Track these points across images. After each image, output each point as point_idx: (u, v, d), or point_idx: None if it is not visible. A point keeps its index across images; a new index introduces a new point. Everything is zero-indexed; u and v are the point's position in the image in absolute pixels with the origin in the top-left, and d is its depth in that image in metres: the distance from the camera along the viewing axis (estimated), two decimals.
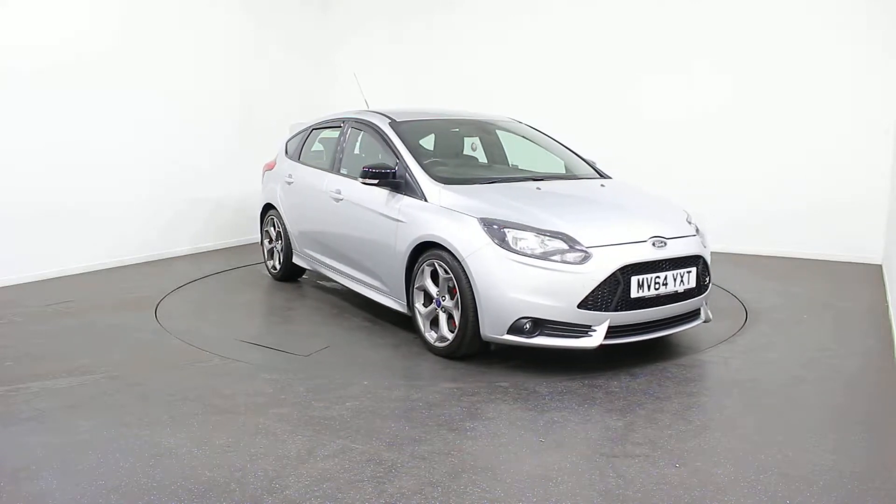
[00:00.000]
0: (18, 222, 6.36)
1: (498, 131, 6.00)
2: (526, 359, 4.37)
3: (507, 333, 4.13)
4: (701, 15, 7.94)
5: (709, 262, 4.59)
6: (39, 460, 3.10)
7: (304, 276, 6.72)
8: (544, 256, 4.06)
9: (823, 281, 6.61)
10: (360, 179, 5.03)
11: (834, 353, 4.59)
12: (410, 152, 5.08)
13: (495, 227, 4.22)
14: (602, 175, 5.52)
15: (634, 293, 4.11)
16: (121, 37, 7.16)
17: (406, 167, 4.96)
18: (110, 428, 3.42)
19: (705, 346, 4.71)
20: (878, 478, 2.97)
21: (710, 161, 8.05)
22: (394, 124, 5.41)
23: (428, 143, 5.76)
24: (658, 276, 4.20)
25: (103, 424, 3.47)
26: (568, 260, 4.05)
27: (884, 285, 6.36)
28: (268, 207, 6.81)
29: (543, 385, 3.99)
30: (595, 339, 4.05)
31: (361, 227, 5.25)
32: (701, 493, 2.82)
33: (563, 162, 5.70)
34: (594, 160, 5.77)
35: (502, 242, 4.15)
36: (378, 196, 5.06)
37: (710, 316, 4.71)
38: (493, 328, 4.17)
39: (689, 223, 4.69)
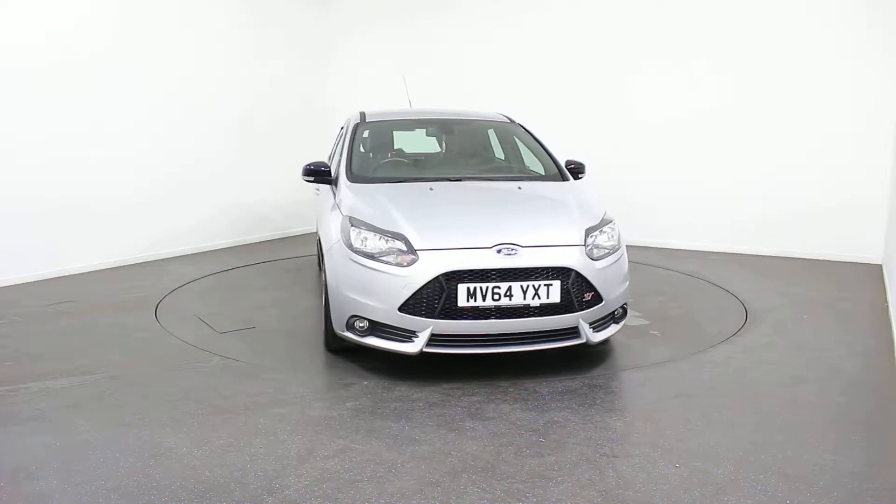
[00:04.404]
0: (19, 223, 6.36)
1: (464, 130, 5.92)
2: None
3: (346, 330, 4.16)
4: (700, 15, 7.94)
5: (592, 278, 4.04)
6: (39, 460, 3.09)
7: None
8: (375, 257, 4.02)
9: (823, 281, 6.61)
10: (302, 177, 5.14)
11: (834, 353, 4.59)
12: (350, 151, 5.16)
13: (350, 225, 4.23)
14: (564, 177, 5.13)
15: (463, 302, 3.86)
16: (120, 36, 7.16)
17: (339, 165, 5.08)
18: (110, 428, 3.42)
19: (705, 346, 4.71)
20: (878, 478, 2.97)
21: (709, 161, 8.05)
22: (360, 124, 5.51)
23: (405, 142, 5.95)
24: (497, 287, 3.88)
25: (103, 424, 3.47)
26: (400, 262, 3.95)
27: (884, 285, 6.36)
28: None
29: (543, 385, 3.99)
30: (415, 346, 3.93)
31: (318, 221, 5.50)
32: (701, 493, 2.82)
33: (525, 162, 5.52)
34: (582, 161, 5.49)
35: (348, 240, 4.16)
36: (323, 192, 5.27)
37: (594, 339, 4.13)
38: (337, 324, 4.23)
39: (599, 233, 4.25)
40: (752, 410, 3.68)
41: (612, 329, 4.33)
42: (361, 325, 4.07)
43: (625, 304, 4.42)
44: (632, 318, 5.31)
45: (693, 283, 6.58)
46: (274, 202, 9.15)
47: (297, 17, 9.57)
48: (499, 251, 3.94)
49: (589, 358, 4.41)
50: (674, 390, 3.96)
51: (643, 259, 7.53)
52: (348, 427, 3.43)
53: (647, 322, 5.29)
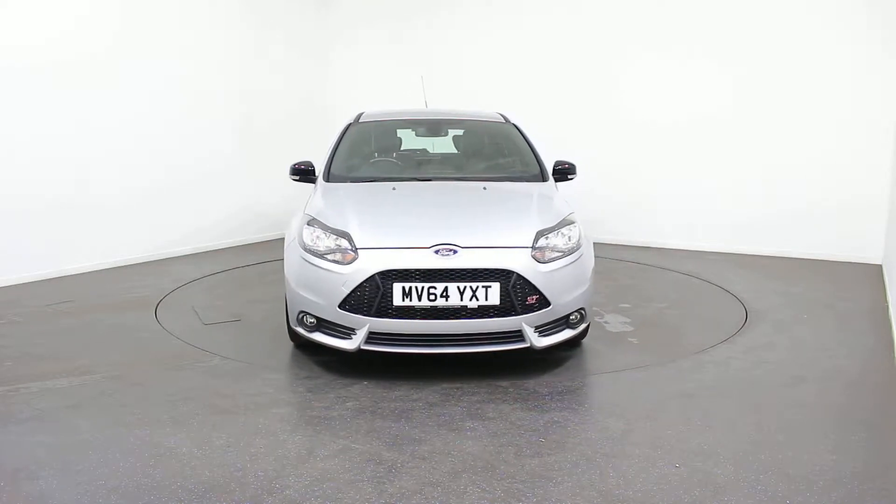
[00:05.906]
0: (19, 223, 6.35)
1: (454, 131, 5.91)
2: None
3: (297, 325, 4.25)
4: (700, 15, 7.94)
5: (537, 281, 3.93)
6: (39, 460, 3.09)
7: None
8: (322, 255, 4.08)
9: (823, 281, 6.62)
10: (290, 176, 5.18)
11: (834, 353, 4.59)
12: (334, 151, 5.24)
13: (306, 224, 4.30)
14: (544, 178, 5.05)
15: (399, 301, 3.86)
16: (120, 36, 7.16)
17: (324, 164, 5.17)
18: (110, 428, 3.42)
19: (705, 346, 4.71)
20: (878, 478, 2.97)
21: (710, 161, 8.05)
22: (351, 124, 5.56)
23: (405, 142, 5.97)
24: (433, 287, 3.84)
25: (103, 424, 3.47)
26: (343, 261, 4.01)
27: (884, 285, 6.36)
28: None
29: (543, 385, 3.99)
30: (353, 343, 3.97)
31: None
32: (701, 493, 2.82)
33: (506, 162, 5.45)
34: (574, 161, 5.33)
35: (301, 238, 4.24)
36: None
37: (539, 344, 4.01)
38: (290, 319, 4.34)
39: (554, 234, 4.14)
40: (752, 410, 3.68)
41: (565, 334, 4.17)
42: (311, 320, 4.14)
43: (582, 308, 4.22)
44: (619, 324, 5.31)
45: (692, 284, 6.58)
46: (274, 201, 9.13)
47: (297, 17, 9.56)
48: (437, 251, 3.92)
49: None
50: (674, 390, 3.96)
51: (643, 259, 7.53)
52: (348, 427, 3.43)
53: (637, 326, 5.28)
